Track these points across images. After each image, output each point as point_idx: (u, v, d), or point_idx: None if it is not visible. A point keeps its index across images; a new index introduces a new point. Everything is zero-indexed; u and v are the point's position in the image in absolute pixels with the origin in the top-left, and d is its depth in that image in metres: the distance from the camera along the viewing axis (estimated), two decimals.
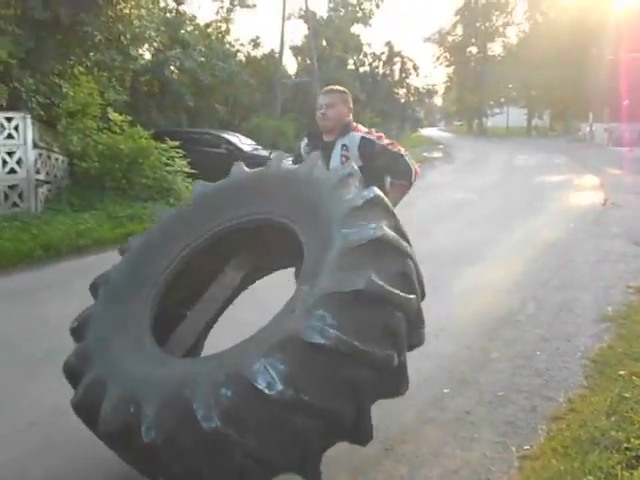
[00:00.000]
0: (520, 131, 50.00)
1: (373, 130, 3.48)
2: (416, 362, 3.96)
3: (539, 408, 3.38)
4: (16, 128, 8.79)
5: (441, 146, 33.23)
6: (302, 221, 2.53)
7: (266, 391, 1.95)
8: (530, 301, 5.35)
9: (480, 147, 31.60)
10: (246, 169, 3.07)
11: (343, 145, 3.32)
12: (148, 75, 16.18)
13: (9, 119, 8.70)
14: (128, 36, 9.57)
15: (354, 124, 3.41)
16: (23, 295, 6.01)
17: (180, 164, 10.85)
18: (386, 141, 3.35)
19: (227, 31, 22.46)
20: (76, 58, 9.68)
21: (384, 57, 23.44)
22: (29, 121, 8.97)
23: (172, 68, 16.84)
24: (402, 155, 3.32)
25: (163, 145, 10.79)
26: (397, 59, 23.52)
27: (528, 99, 50.27)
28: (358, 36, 23.85)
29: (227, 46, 19.84)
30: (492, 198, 12.38)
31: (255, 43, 20.53)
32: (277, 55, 19.41)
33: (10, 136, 8.73)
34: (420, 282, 2.67)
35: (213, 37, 20.34)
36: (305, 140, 3.54)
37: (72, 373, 2.54)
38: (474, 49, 53.77)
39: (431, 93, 33.09)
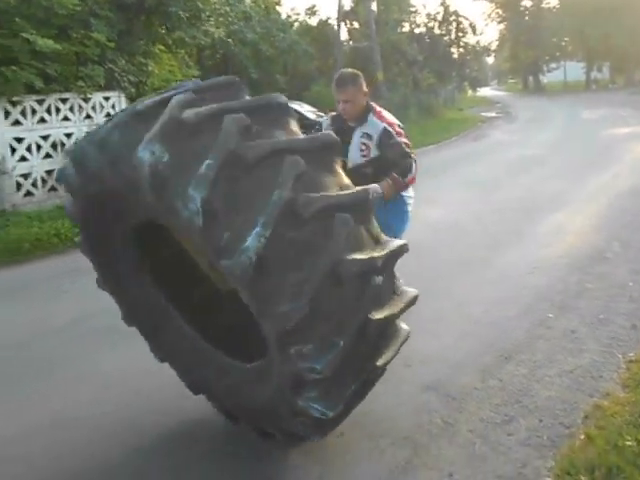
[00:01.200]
0: (578, 86, 48.33)
1: (396, 123, 3.40)
2: (516, 293, 4.48)
3: (639, 326, 3.80)
4: (113, 107, 9.54)
5: (499, 105, 32.70)
6: None
7: None
8: (615, 241, 5.70)
9: (539, 104, 30.96)
10: None
11: (364, 133, 3.32)
12: (212, 50, 16.73)
13: (107, 98, 9.45)
14: (207, 13, 10.13)
15: (375, 108, 3.36)
16: None
17: None
18: (404, 140, 3.31)
19: (279, 2, 22.80)
20: (159, 37, 10.31)
21: (439, 17, 23.30)
22: (123, 99, 9.71)
23: (232, 41, 17.33)
24: (411, 156, 3.26)
25: None
26: (452, 18, 23.37)
27: (586, 51, 48.44)
28: None
29: (284, 16, 20.23)
30: (563, 152, 12.45)
31: (311, 11, 20.85)
32: (335, 22, 19.63)
33: (108, 115, 9.47)
34: None
35: (269, 8, 20.70)
36: (328, 120, 3.53)
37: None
38: (528, 2, 51.98)
39: (487, 51, 32.48)
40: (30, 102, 8.30)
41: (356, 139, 3.33)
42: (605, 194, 7.90)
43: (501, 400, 3.03)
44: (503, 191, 8.56)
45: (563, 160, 11.31)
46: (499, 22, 53.69)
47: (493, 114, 26.17)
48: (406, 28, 22.93)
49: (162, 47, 10.85)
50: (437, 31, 23.44)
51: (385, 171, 3.18)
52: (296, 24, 21.60)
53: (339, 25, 19.37)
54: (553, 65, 53.91)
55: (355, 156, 3.36)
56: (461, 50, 24.20)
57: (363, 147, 3.32)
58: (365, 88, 3.33)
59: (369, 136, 3.30)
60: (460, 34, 23.86)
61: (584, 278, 4.74)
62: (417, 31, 23.12)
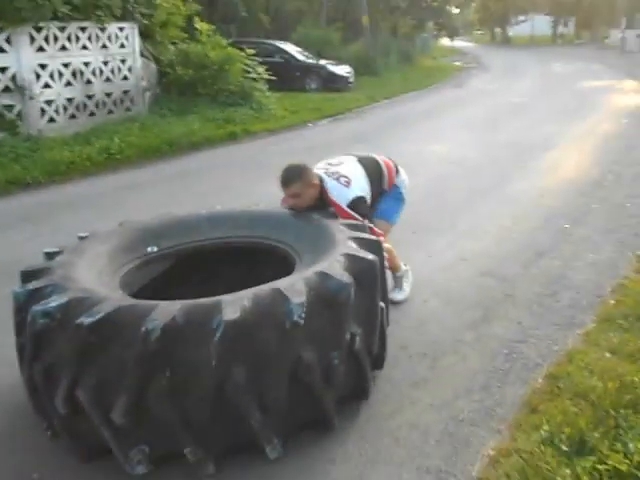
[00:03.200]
0: (544, 40, 49.19)
1: (347, 200, 3.05)
2: (533, 210, 5.28)
3: None
4: (126, 38, 9.76)
5: (469, 56, 33.29)
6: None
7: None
8: (608, 173, 6.57)
9: (509, 56, 31.71)
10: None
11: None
12: None
13: (121, 29, 9.65)
14: None
15: (326, 195, 3.06)
16: (175, 177, 7.24)
17: (260, 71, 11.79)
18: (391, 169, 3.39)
19: None
20: None
21: None
22: (136, 31, 9.92)
23: None
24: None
25: (242, 53, 11.68)
26: None
27: (554, 5, 49.14)
28: None
29: None
30: (544, 100, 13.28)
31: None
32: None
33: (122, 45, 9.71)
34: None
35: None
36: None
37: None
38: None
39: (467, 1, 32.78)
40: (53, 29, 8.50)
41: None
42: (593, 136, 8.77)
43: (545, 280, 3.84)
44: (499, 132, 9.33)
45: (546, 108, 12.14)
46: None
47: (466, 64, 26.80)
48: None
49: None
50: None
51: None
52: None
53: None
54: (521, 18, 54.52)
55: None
56: None
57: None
58: (315, 180, 3.01)
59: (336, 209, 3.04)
60: None
61: (588, 200, 5.58)
62: None
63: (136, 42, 9.97)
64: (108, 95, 9.57)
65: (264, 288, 2.18)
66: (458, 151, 8.01)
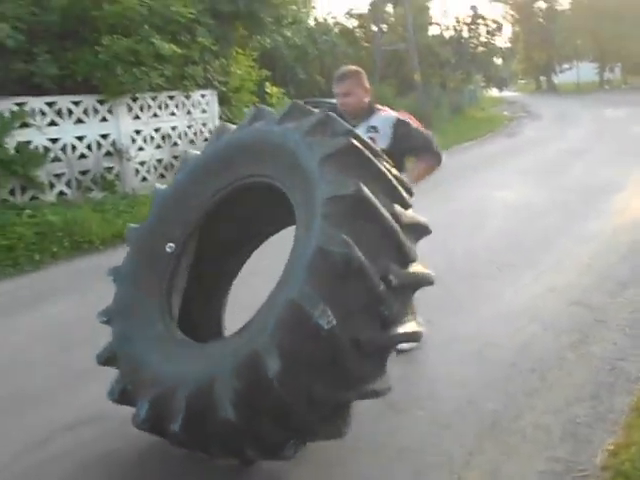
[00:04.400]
0: (590, 87, 49.34)
1: (402, 110, 3.51)
2: (607, 247, 5.63)
3: None
4: (207, 103, 10.72)
5: (517, 104, 33.84)
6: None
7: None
8: None
9: (557, 103, 32.08)
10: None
11: (370, 127, 3.28)
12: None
13: (203, 96, 10.62)
14: (290, 19, 11.23)
15: (377, 106, 3.36)
16: None
17: None
18: (418, 124, 3.40)
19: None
20: (240, 41, 11.48)
21: (468, 20, 24.55)
22: (215, 97, 10.89)
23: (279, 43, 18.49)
24: (433, 139, 3.38)
25: None
26: (480, 21, 24.59)
27: (598, 52, 49.49)
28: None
29: (324, 19, 21.41)
30: (600, 145, 13.58)
31: (350, 14, 22.05)
32: (376, 27, 20.77)
33: (204, 111, 10.66)
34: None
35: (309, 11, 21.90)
36: None
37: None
38: (542, 4, 53.04)
39: (512, 52, 33.68)
40: (147, 99, 9.48)
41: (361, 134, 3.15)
42: None
43: (632, 308, 4.18)
44: (561, 177, 9.70)
45: (604, 152, 12.42)
46: (512, 24, 54.79)
47: (515, 113, 27.29)
48: (436, 31, 24.15)
49: (239, 49, 12.01)
50: (466, 34, 24.63)
51: (402, 159, 3.24)
52: (336, 26, 22.71)
53: (379, 27, 20.51)
54: (566, 66, 54.99)
55: None
56: (485, 50, 25.37)
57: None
58: (367, 85, 3.25)
59: (375, 129, 3.26)
60: (489, 36, 25.06)
61: None
62: (446, 34, 24.31)
63: (215, 107, 10.91)
64: None
65: None
66: (525, 195, 8.40)
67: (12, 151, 7.71)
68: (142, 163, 9.54)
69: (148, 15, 8.83)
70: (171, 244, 2.79)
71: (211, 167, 2.79)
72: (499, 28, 24.56)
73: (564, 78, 55.59)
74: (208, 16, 10.07)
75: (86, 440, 2.88)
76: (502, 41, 26.96)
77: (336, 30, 21.11)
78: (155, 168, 9.78)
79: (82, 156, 8.65)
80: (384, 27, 22.30)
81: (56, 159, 8.33)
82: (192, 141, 10.41)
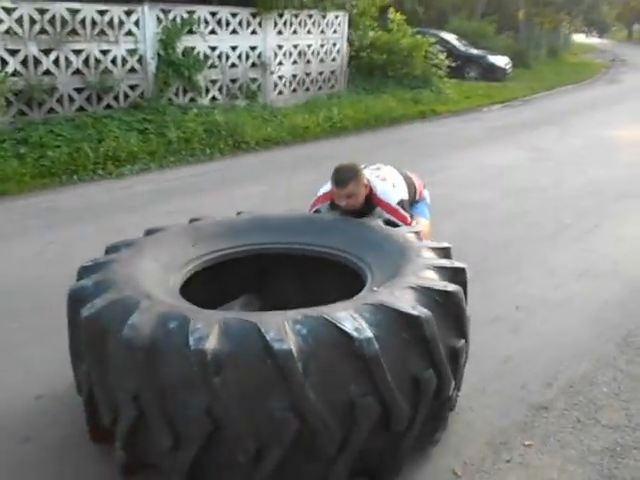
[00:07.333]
0: None
1: (395, 200, 3.20)
2: None
3: None
4: (339, 24, 11.26)
5: (609, 53, 32.53)
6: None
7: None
8: None
9: None
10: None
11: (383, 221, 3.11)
12: None
13: (337, 17, 11.15)
14: None
15: (375, 195, 3.20)
16: (390, 144, 8.57)
17: (441, 58, 12.99)
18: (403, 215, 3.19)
19: None
20: None
21: None
22: (346, 18, 11.40)
23: None
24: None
25: (426, 42, 12.89)
26: None
27: None
28: None
29: None
30: None
31: None
32: None
33: (335, 31, 11.22)
34: None
35: None
36: (329, 208, 3.31)
37: None
38: None
39: None
40: (291, 16, 10.11)
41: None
42: None
43: None
44: None
45: None
46: None
47: (611, 61, 26.45)
48: None
49: None
50: None
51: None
52: None
53: None
54: None
55: None
56: None
57: None
58: (364, 181, 3.14)
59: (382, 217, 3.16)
60: None
61: None
62: None
63: (345, 28, 11.44)
64: (320, 74, 11.13)
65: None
66: None
67: (180, 55, 8.57)
68: (280, 77, 10.27)
69: None
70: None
71: None
72: None
73: None
74: None
75: None
76: None
77: None
78: (290, 83, 10.50)
79: (233, 65, 9.44)
80: None
81: (212, 66, 9.15)
82: (322, 60, 11.05)
